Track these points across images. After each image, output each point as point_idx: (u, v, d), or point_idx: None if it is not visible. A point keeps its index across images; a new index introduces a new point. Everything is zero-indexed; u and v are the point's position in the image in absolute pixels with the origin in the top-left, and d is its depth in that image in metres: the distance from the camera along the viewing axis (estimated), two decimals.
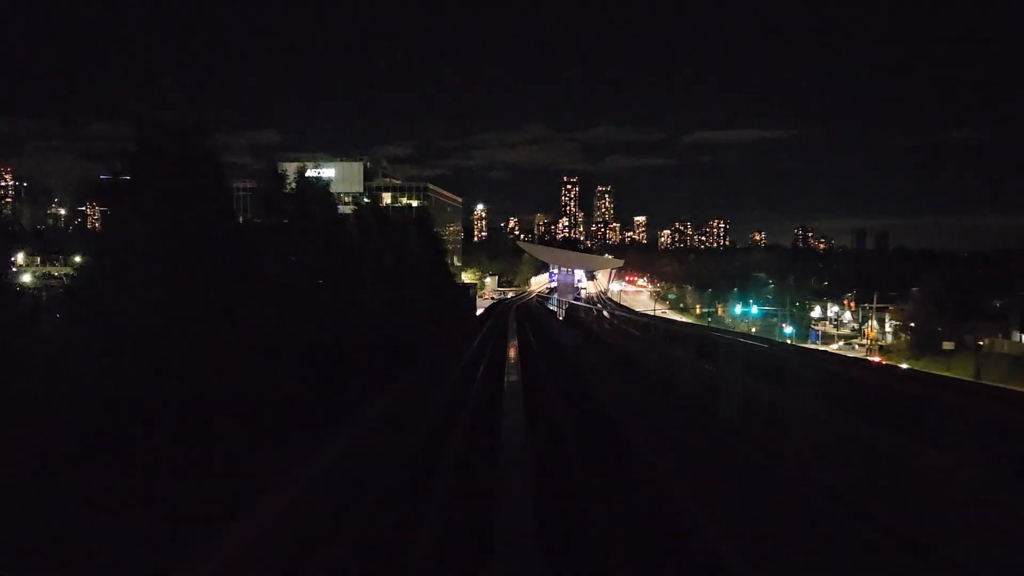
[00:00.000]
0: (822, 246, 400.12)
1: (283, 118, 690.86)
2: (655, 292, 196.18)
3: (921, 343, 65.96)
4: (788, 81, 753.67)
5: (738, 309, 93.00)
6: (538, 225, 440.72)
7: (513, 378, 17.76)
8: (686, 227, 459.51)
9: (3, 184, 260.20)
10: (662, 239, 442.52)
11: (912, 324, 72.81)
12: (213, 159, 13.36)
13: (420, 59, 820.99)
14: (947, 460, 5.38)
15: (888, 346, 74.29)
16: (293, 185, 20.48)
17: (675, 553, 6.42)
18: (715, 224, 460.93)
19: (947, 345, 60.13)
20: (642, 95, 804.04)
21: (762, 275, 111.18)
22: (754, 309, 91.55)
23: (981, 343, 62.19)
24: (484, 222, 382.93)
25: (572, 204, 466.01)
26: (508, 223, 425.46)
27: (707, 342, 12.95)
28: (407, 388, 14.30)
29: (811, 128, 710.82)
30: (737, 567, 5.58)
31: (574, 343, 28.54)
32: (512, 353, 24.53)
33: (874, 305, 79.73)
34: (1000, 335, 64.32)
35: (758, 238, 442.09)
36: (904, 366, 50.71)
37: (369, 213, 32.95)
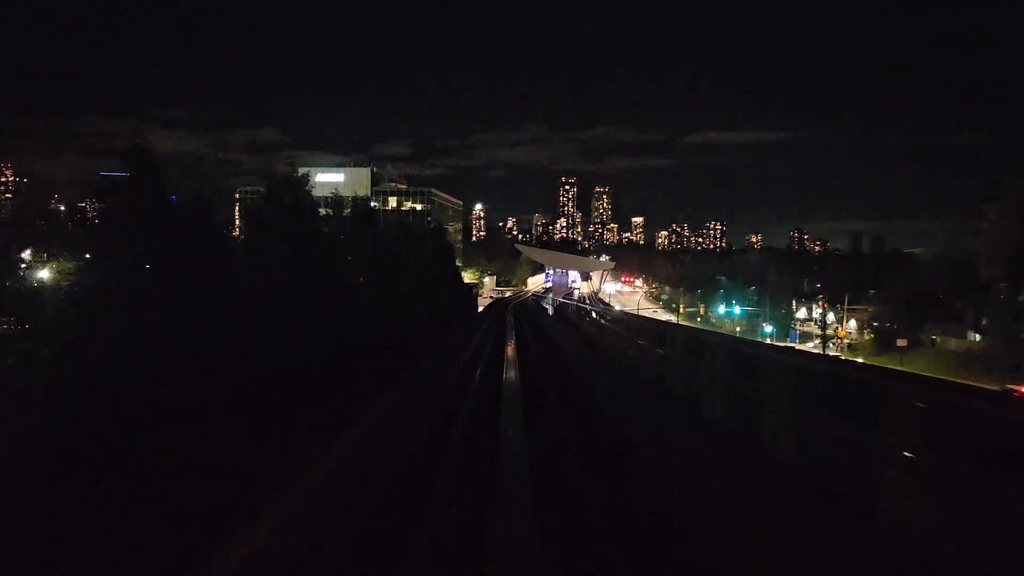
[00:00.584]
0: (818, 249, 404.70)
1: (282, 116, 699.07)
2: (650, 293, 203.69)
3: (880, 341, 73.60)
4: (787, 83, 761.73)
5: (721, 309, 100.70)
6: (536, 225, 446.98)
7: (511, 342, 26.13)
8: (683, 228, 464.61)
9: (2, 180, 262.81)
10: (660, 240, 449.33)
11: (874, 323, 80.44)
12: (312, 205, 20.89)
13: (420, 58, 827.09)
14: (818, 415, 9.08)
15: (855, 343, 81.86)
16: (348, 210, 27.92)
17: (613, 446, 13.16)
18: (712, 226, 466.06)
19: (900, 342, 67.81)
20: (642, 96, 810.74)
21: (723, 279, 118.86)
22: (736, 309, 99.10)
23: (935, 339, 69.77)
24: (483, 222, 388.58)
25: (570, 204, 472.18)
26: (506, 223, 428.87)
27: (660, 333, 19.20)
28: (448, 345, 22.22)
29: (810, 130, 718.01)
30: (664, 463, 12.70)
31: (555, 329, 36.49)
32: (510, 331, 33.19)
33: (846, 306, 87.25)
34: (959, 334, 71.74)
35: (755, 240, 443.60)
36: (859, 360, 58.26)
37: (398, 228, 40.32)
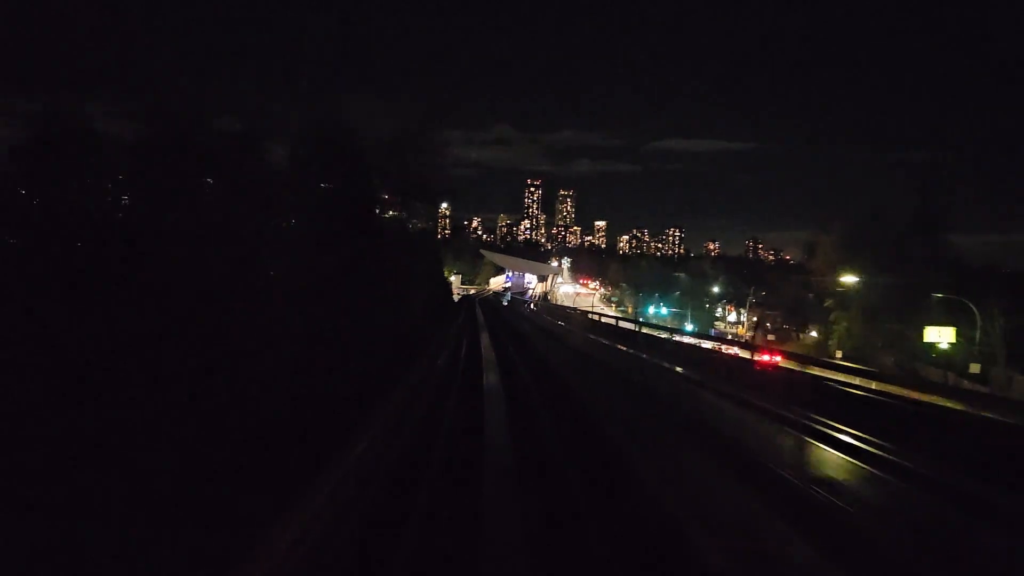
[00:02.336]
0: (771, 257, 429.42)
1: (244, 108, 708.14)
2: (604, 295, 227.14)
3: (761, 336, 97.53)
4: (753, 93, 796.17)
5: (651, 310, 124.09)
6: (501, 226, 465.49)
7: (480, 317, 49.69)
8: (643, 234, 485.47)
9: None
10: (621, 244, 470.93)
11: (767, 323, 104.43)
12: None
13: (387, 56, 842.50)
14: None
15: (749, 340, 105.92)
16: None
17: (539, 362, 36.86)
18: (671, 232, 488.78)
19: (770, 336, 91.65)
20: (609, 101, 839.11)
21: (623, 285, 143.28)
22: (663, 310, 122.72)
23: (799, 335, 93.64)
24: (448, 221, 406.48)
25: (535, 206, 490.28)
26: (472, 223, 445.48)
27: (565, 314, 44.85)
28: (447, 317, 45.05)
29: (774, 141, 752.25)
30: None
31: (506, 312, 59.81)
32: (479, 313, 56.53)
33: (747, 309, 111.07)
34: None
35: (712, 247, 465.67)
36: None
37: (402, 237, 62.25)
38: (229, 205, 26.08)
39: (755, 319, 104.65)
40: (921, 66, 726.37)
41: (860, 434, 18.72)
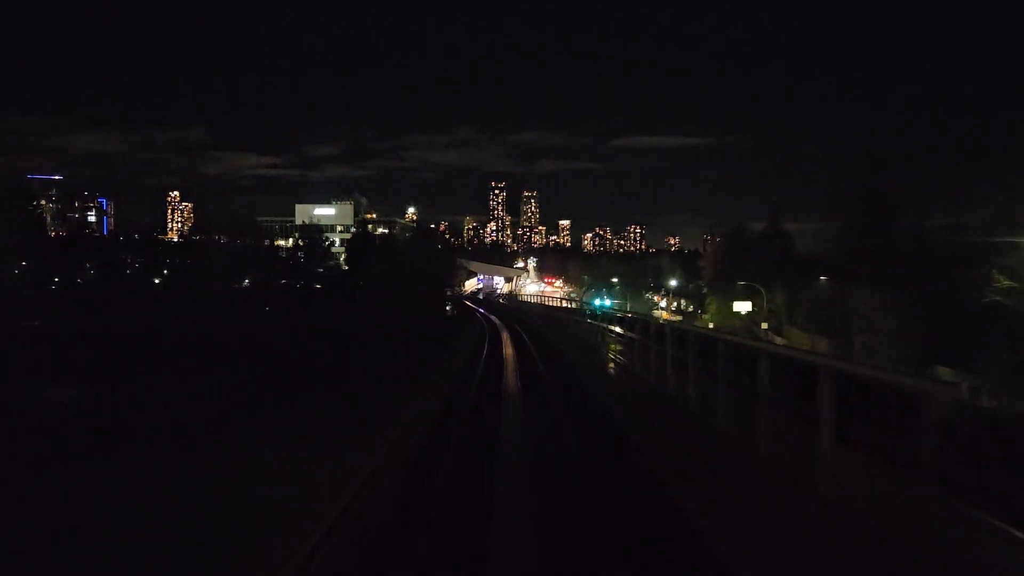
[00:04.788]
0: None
1: (209, 115, 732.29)
2: (567, 292, 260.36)
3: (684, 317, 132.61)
4: (708, 89, 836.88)
5: (597, 302, 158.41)
6: (468, 229, 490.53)
7: (471, 305, 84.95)
8: (606, 232, 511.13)
9: None
10: (585, 242, 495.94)
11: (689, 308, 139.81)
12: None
13: (349, 59, 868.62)
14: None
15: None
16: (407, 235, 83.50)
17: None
18: (632, 229, 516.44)
19: (676, 317, 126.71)
20: (571, 99, 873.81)
21: (585, 278, 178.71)
22: (607, 301, 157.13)
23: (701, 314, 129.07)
24: (416, 224, 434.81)
25: (500, 208, 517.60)
26: (440, 226, 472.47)
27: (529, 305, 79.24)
28: (456, 308, 79.66)
29: (730, 136, 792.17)
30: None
31: (484, 306, 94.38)
32: (470, 305, 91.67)
33: (669, 296, 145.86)
34: None
35: (673, 242, 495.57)
36: None
37: (411, 246, 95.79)
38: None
39: (673, 305, 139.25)
40: (877, 61, 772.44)
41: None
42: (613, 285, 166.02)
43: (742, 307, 78.45)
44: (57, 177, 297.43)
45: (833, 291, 62.78)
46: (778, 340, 71.82)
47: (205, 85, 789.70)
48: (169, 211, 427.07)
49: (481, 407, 17.38)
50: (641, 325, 24.92)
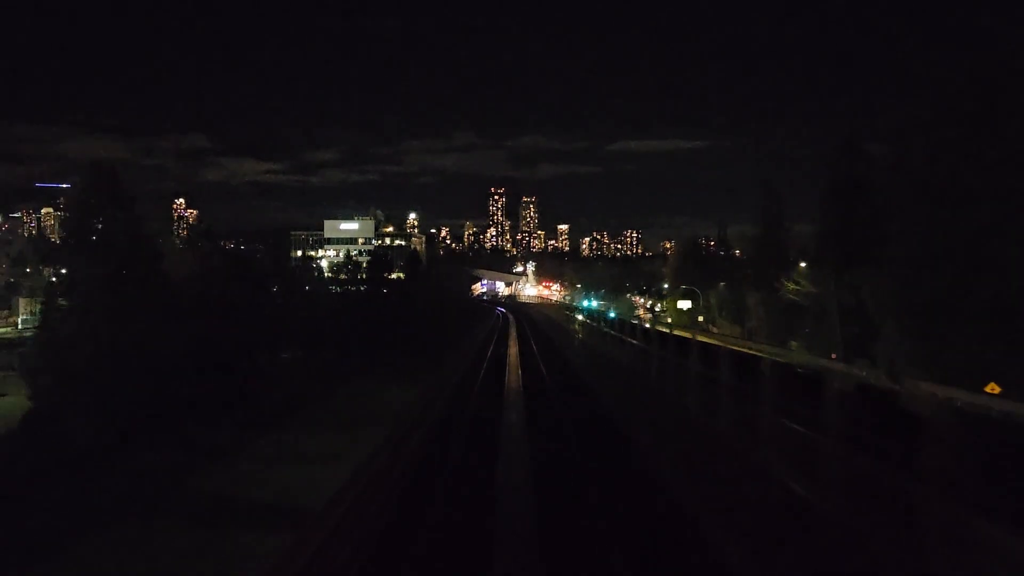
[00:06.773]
0: (722, 254, 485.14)
1: (210, 122, 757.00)
2: (562, 295, 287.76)
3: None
4: (712, 91, 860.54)
5: (585, 303, 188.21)
6: (468, 234, 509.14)
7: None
8: (603, 236, 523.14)
9: None
10: (583, 246, 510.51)
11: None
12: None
13: (350, 65, 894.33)
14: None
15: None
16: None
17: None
18: (629, 234, 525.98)
19: (648, 315, 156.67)
20: (570, 104, 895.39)
21: (579, 285, 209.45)
22: (594, 303, 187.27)
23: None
24: (417, 229, 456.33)
25: (500, 213, 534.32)
26: (440, 231, 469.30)
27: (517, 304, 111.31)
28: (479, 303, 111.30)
29: (725, 139, 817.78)
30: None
31: (492, 304, 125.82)
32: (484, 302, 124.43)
33: (651, 298, 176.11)
34: None
35: (668, 246, 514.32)
36: None
37: (420, 261, 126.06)
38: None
39: (647, 304, 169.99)
40: (877, 61, 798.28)
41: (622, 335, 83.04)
42: (617, 289, 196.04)
43: (684, 305, 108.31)
44: (65, 185, 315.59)
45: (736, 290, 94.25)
46: (713, 329, 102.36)
47: (206, 92, 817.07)
48: (175, 217, 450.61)
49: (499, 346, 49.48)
50: (597, 318, 55.53)
